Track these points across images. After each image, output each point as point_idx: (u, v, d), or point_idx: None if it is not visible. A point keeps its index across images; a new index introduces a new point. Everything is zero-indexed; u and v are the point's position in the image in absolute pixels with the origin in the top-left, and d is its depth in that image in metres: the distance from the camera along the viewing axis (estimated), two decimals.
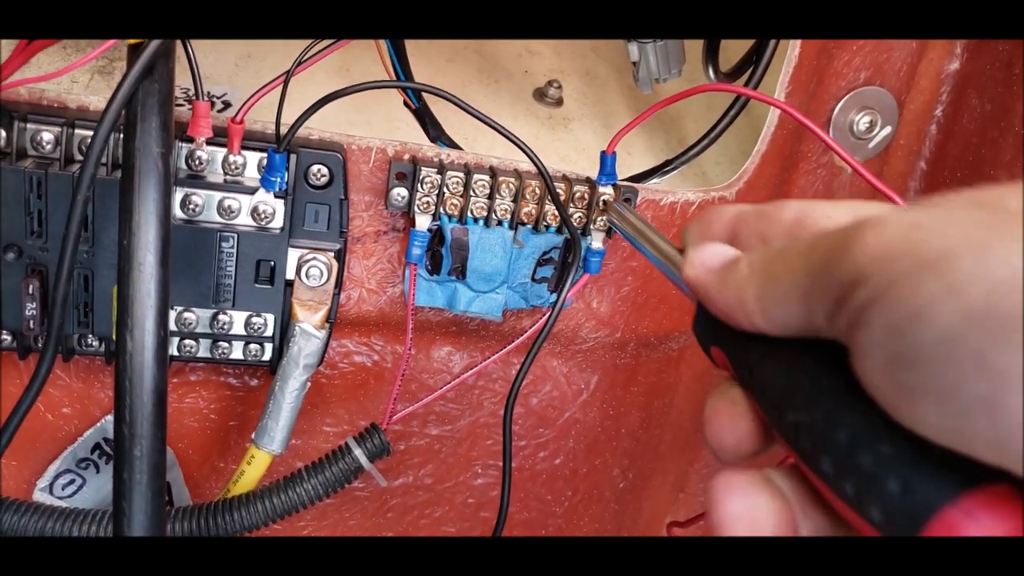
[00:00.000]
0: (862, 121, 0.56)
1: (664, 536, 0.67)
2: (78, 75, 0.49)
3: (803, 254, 0.22)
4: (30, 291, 0.36)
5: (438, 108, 0.48)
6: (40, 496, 0.44)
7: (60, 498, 0.45)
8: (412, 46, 0.51)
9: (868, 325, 0.19)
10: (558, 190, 0.42)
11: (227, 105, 0.51)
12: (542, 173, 0.40)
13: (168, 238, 0.31)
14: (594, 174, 0.43)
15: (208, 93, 0.52)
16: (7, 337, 0.39)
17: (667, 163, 0.49)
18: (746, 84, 0.48)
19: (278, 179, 0.38)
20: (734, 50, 0.53)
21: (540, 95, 0.60)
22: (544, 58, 0.65)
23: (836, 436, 0.20)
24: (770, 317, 0.23)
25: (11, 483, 0.44)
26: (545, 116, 0.60)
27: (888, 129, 0.57)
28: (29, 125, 0.36)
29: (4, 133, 0.35)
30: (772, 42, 0.48)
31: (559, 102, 0.61)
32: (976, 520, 0.17)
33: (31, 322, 0.37)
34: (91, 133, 0.35)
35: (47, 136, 0.36)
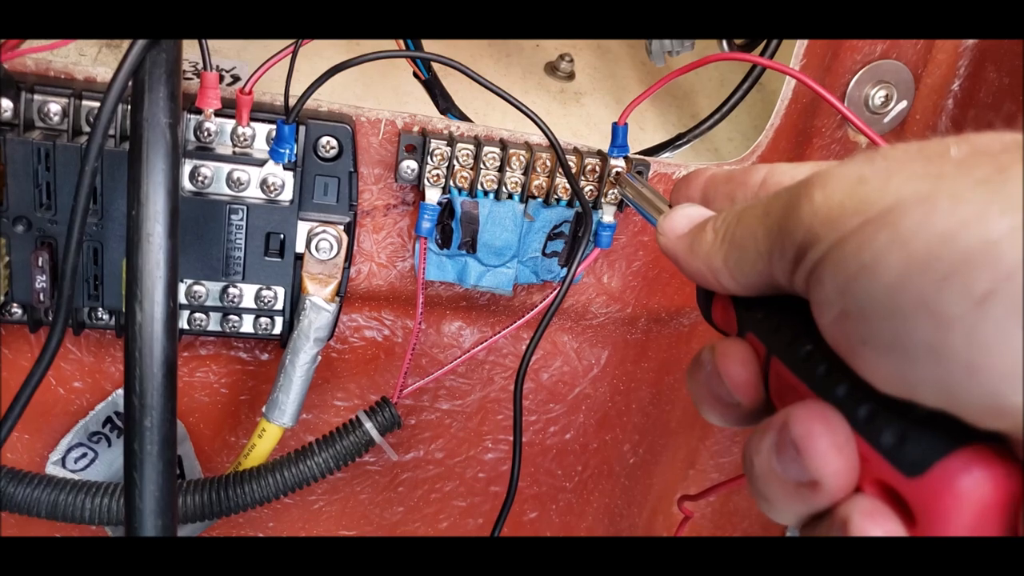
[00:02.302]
0: (878, 95, 0.55)
1: (674, 512, 0.68)
2: (86, 48, 0.49)
3: (759, 217, 0.22)
4: (39, 264, 0.36)
5: (448, 80, 0.47)
6: (52, 469, 0.44)
7: (72, 471, 0.45)
8: None
9: (821, 282, 0.20)
10: (569, 163, 0.42)
11: (236, 79, 0.51)
12: (552, 143, 0.40)
13: (176, 209, 0.30)
14: (605, 148, 0.42)
15: (216, 66, 0.51)
16: (17, 310, 0.39)
17: (679, 137, 0.49)
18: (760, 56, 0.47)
19: (287, 151, 0.38)
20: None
21: (552, 69, 0.60)
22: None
23: (836, 391, 0.20)
24: (738, 280, 0.24)
25: (24, 456, 0.44)
26: (556, 90, 0.59)
27: (904, 103, 0.56)
28: (36, 96, 0.35)
29: (11, 104, 0.35)
30: None
31: (571, 76, 0.60)
32: (970, 473, 0.18)
33: (41, 295, 0.37)
34: (98, 104, 0.35)
35: (54, 107, 0.35)
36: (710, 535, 0.69)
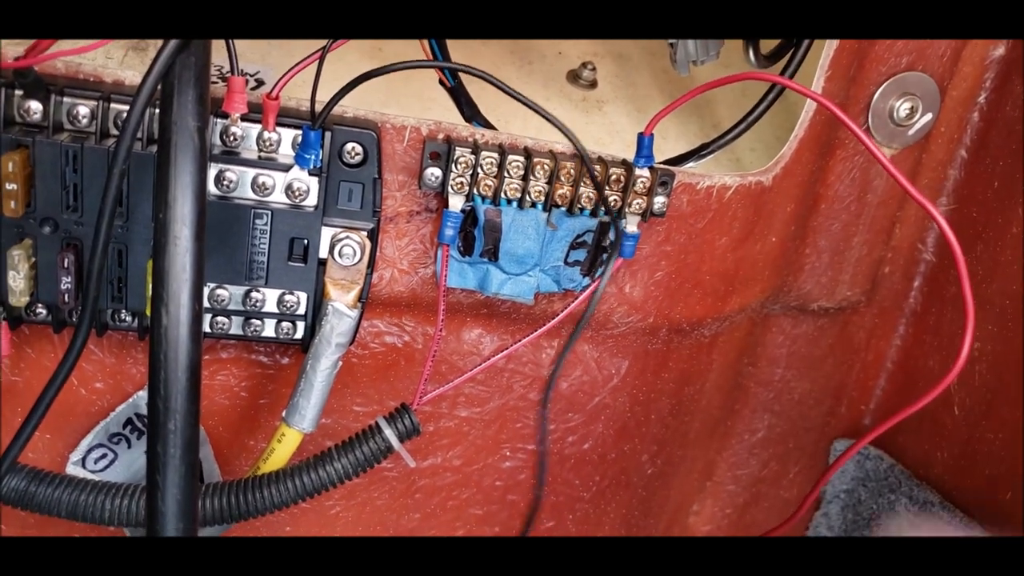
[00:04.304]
0: (902, 107, 0.55)
1: (690, 523, 0.67)
2: (113, 51, 0.49)
3: None
4: (65, 265, 0.36)
5: (473, 88, 0.47)
6: (73, 469, 0.45)
7: (92, 472, 0.45)
8: None
9: None
10: (595, 172, 0.42)
11: (260, 83, 0.51)
12: (579, 152, 0.40)
13: (203, 212, 0.30)
14: (628, 157, 0.42)
15: (241, 71, 0.51)
16: (43, 311, 0.39)
17: (703, 147, 0.48)
18: (785, 68, 0.47)
19: (312, 156, 0.38)
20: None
21: (574, 77, 0.60)
22: (578, 40, 0.64)
23: None
24: None
25: (45, 456, 0.44)
26: (579, 98, 0.59)
27: (929, 116, 0.56)
28: (66, 99, 0.36)
29: (41, 106, 0.35)
30: None
31: (593, 84, 0.60)
32: None
33: (66, 296, 0.37)
34: (127, 107, 0.35)
35: (83, 110, 0.36)
36: None
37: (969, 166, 0.58)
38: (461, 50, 0.59)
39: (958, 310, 0.61)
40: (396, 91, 0.53)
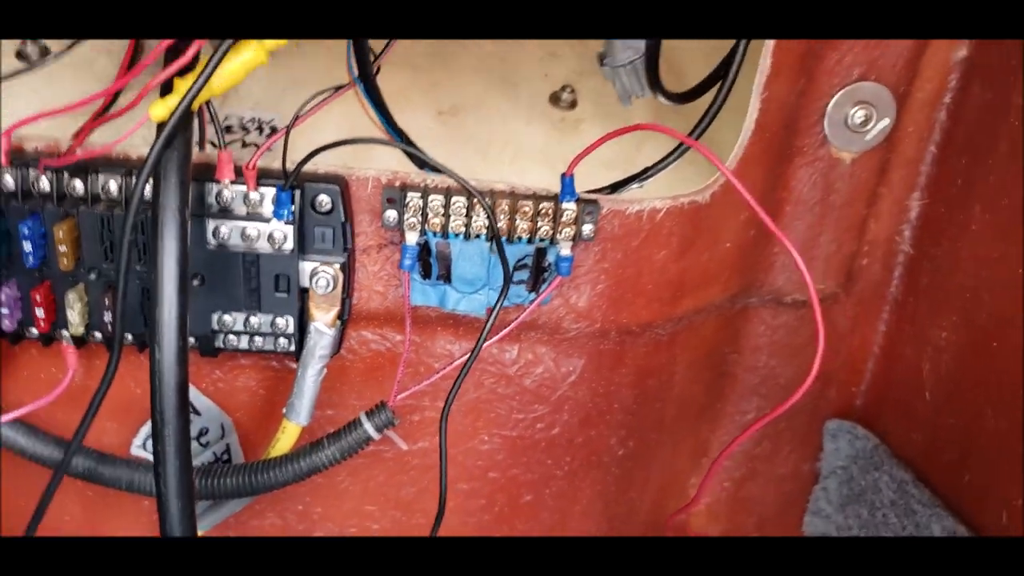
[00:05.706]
0: (856, 115, 0.58)
1: (690, 494, 0.73)
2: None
3: None
4: (106, 303, 0.48)
5: (459, 120, 0.55)
6: (136, 452, 0.57)
7: (151, 454, 0.57)
8: (436, 57, 0.55)
9: None
10: (525, 207, 0.49)
11: (274, 130, 0.61)
12: (478, 199, 0.47)
13: (185, 271, 0.40)
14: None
15: (258, 120, 0.61)
16: (99, 335, 0.50)
17: (643, 172, 0.54)
18: (695, 128, 0.51)
19: (286, 211, 0.47)
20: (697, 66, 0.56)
21: (555, 99, 0.66)
22: (565, 60, 0.70)
23: None
24: None
25: (114, 441, 0.56)
26: (557, 119, 0.65)
27: (886, 120, 0.58)
28: (100, 176, 0.46)
29: (82, 184, 0.46)
30: (738, 54, 0.51)
31: (572, 105, 0.66)
32: None
33: (109, 326, 0.48)
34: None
35: (113, 185, 0.46)
36: (725, 522, 0.74)
37: (938, 163, 0.61)
38: (452, 80, 0.67)
39: (931, 301, 0.63)
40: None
